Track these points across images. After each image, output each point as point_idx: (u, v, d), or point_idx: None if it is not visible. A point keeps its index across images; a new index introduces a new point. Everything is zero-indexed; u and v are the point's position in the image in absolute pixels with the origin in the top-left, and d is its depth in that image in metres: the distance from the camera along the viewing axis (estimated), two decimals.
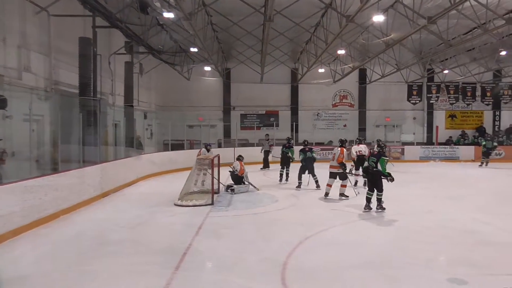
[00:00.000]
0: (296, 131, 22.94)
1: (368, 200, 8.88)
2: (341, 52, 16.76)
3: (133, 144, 14.02)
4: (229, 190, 11.16)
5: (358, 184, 12.01)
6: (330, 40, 13.89)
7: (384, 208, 8.77)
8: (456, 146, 22.42)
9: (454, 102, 24.06)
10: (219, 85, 23.87)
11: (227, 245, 6.42)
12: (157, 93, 22.01)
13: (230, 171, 11.83)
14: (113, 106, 15.00)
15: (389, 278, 5.05)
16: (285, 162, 13.25)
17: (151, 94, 21.02)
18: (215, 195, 10.05)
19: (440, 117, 24.59)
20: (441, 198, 10.62)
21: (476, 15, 12.17)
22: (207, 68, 21.32)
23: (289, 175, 13.21)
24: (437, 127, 23.98)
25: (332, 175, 10.40)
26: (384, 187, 8.77)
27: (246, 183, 11.53)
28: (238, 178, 11.52)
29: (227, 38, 18.11)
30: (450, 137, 23.61)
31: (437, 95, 23.93)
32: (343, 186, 10.40)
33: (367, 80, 23.49)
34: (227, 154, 17.52)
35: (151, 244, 6.45)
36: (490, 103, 24.30)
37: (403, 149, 21.93)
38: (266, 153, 17.76)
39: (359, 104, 24.55)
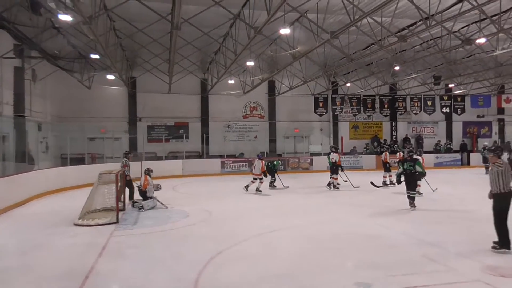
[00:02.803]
0: (207, 143, 22.92)
1: (413, 198, 10.45)
2: (250, 63, 17.19)
3: (25, 159, 12.83)
4: (135, 207, 10.72)
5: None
6: (239, 51, 14.18)
7: (415, 206, 10.38)
8: (360, 156, 24.23)
9: (357, 113, 26.02)
10: (123, 94, 22.95)
11: (134, 265, 6.15)
12: (54, 103, 20.44)
13: (137, 186, 11.41)
14: (0, 116, 13.61)
15: None
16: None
17: (47, 103, 19.48)
18: (120, 213, 9.61)
19: (344, 128, 26.38)
20: (346, 206, 11.35)
21: (373, 32, 13.38)
22: (110, 77, 20.37)
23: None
24: (342, 137, 25.68)
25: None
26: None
27: (152, 198, 11.14)
28: (144, 193, 11.14)
29: (132, 45, 17.55)
30: (354, 147, 25.40)
31: (341, 107, 25.69)
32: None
33: (276, 92, 24.39)
34: (133, 168, 16.86)
35: (46, 270, 5.92)
36: (388, 114, 26.74)
37: (311, 160, 23.07)
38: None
39: (269, 115, 25.33)
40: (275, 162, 15.72)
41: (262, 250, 7.00)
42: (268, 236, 7.94)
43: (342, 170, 14.86)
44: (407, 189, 10.64)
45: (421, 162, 10.99)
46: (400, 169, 10.80)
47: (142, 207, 10.61)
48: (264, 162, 14.25)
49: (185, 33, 14.16)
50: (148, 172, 11.62)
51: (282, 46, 16.01)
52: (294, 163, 22.97)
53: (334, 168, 14.67)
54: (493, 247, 6.61)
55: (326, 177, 16.69)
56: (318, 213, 10.32)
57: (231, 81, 21.60)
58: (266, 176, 14.40)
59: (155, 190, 11.47)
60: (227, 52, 16.53)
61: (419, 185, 12.32)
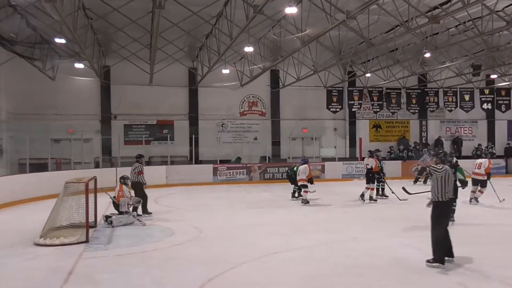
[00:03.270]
0: (196, 146, 22.97)
1: (453, 211, 10.50)
2: (248, 49, 17.21)
3: None
4: (107, 222, 10.71)
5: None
6: (235, 34, 14.19)
7: (454, 220, 10.62)
8: (383, 162, 24.18)
9: (379, 110, 26.05)
10: (95, 87, 22.99)
11: None
12: (10, 97, 20.46)
13: (111, 198, 11.43)
14: None
15: None
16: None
17: (1, 98, 19.51)
18: (91, 230, 9.60)
19: (363, 128, 26.43)
20: (367, 221, 11.36)
21: (398, 12, 13.40)
22: (79, 65, 20.39)
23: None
24: (360, 139, 25.66)
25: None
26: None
27: (127, 211, 11.08)
28: (118, 207, 11.16)
29: (106, 28, 17.59)
30: (378, 150, 25.37)
31: (360, 102, 25.72)
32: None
33: (281, 83, 24.42)
34: (107, 176, 16.90)
35: None
36: (417, 111, 26.76)
37: (323, 166, 23.09)
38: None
39: (272, 112, 25.38)
40: (295, 169, 15.78)
41: (263, 276, 6.97)
42: (270, 259, 7.91)
43: (382, 179, 15.49)
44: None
45: (462, 169, 11.30)
46: None
47: (111, 222, 10.58)
48: (310, 166, 15.02)
49: (170, 13, 14.12)
50: (124, 181, 11.62)
51: (288, 29, 16.02)
52: None
53: (370, 176, 14.84)
54: (427, 261, 7.24)
55: (342, 186, 16.75)
56: (332, 231, 10.29)
57: (225, 71, 21.62)
58: (312, 183, 14.87)
59: (134, 206, 11.45)
60: (221, 36, 16.55)
61: (480, 191, 13.74)
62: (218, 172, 21.89)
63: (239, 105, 25.15)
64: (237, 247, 8.82)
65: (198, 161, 22.72)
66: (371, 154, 15.50)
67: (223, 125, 24.86)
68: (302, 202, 14.56)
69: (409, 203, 14.02)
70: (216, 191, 18.72)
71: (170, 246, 8.86)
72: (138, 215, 11.50)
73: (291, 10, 12.46)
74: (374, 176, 14.91)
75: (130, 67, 21.14)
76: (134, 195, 12.13)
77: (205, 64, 20.71)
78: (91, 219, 10.10)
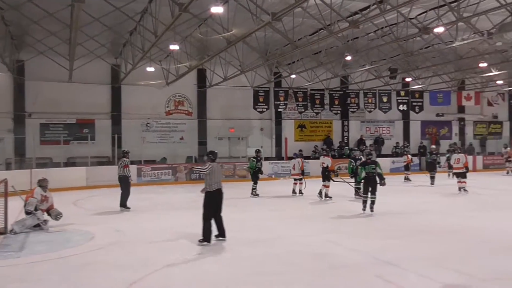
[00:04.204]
0: (119, 146, 22.26)
1: (365, 202, 11.94)
2: (174, 47, 16.97)
3: None
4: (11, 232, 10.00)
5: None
6: (160, 31, 13.94)
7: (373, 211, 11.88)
8: (307, 161, 24.73)
9: (303, 110, 26.62)
10: (7, 83, 21.64)
11: None
12: None
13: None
14: None
15: None
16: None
17: None
18: (0, 237, 9.01)
19: (289, 128, 26.93)
20: (291, 220, 11.52)
21: (322, 15, 13.75)
22: None
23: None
24: (286, 139, 26.16)
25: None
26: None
27: (32, 214, 10.41)
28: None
29: (19, 20, 16.64)
30: (300, 150, 25.86)
31: (285, 102, 26.14)
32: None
33: (207, 83, 24.33)
34: (20, 178, 15.94)
35: None
36: (339, 112, 27.64)
37: None
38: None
39: (199, 112, 25.20)
40: (257, 164, 16.47)
41: (187, 278, 6.88)
42: (195, 260, 7.83)
43: (336, 176, 16.09)
44: (371, 193, 11.91)
45: (380, 165, 12.27)
46: (363, 174, 11.96)
47: (11, 230, 9.92)
48: (303, 161, 16.47)
49: (91, 7, 13.70)
50: (40, 183, 10.98)
51: (215, 28, 15.97)
52: (228, 170, 22.98)
53: (326, 175, 15.23)
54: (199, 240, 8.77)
55: (268, 186, 16.94)
56: (256, 230, 10.34)
57: (150, 69, 21.18)
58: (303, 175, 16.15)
59: (54, 219, 10.78)
60: (145, 33, 16.17)
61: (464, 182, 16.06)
62: (142, 173, 21.37)
63: (164, 104, 24.74)
64: (161, 249, 8.64)
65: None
66: (327, 153, 17.33)
67: (148, 125, 24.34)
68: (298, 193, 16.15)
69: (333, 200, 14.51)
70: (140, 192, 18.22)
71: (90, 251, 8.51)
72: (44, 221, 10.77)
73: (217, 9, 12.41)
74: (330, 174, 15.35)
75: (47, 62, 20.14)
76: (120, 188, 13.64)
77: (129, 62, 20.20)
78: (1, 224, 9.53)
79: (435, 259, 7.59)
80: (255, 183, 16.41)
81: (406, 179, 21.14)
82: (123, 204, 13.52)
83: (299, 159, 16.41)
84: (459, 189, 16.32)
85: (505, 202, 14.59)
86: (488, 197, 15.82)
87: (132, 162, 21.79)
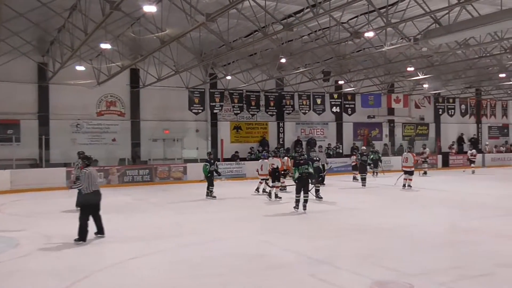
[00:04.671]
0: (47, 148, 21.42)
1: (298, 201, 12.46)
2: (105, 46, 16.50)
3: None
4: None
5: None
6: (90, 29, 13.53)
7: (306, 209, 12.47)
8: (243, 162, 24.88)
9: (239, 112, 26.68)
10: None
11: None
12: None
13: None
14: None
15: None
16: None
17: None
18: None
19: (224, 129, 26.89)
20: (228, 222, 11.59)
21: (256, 17, 13.87)
22: None
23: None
24: (222, 140, 26.10)
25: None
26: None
27: None
28: None
29: None
30: (236, 152, 26.01)
31: (221, 103, 26.11)
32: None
33: (141, 83, 23.82)
34: None
35: None
36: (274, 113, 27.98)
37: (185, 168, 23.02)
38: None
39: (132, 113, 24.64)
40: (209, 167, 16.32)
41: (120, 282, 6.74)
42: (127, 265, 7.67)
43: (285, 177, 16.85)
44: (304, 192, 12.52)
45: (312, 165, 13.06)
46: (297, 174, 12.44)
47: None
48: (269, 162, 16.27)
49: (16, 1, 13.18)
50: None
51: (148, 27, 15.71)
52: (163, 172, 22.66)
53: (276, 175, 15.68)
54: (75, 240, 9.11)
55: (204, 188, 16.86)
56: (193, 233, 10.30)
57: (80, 68, 20.42)
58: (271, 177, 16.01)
59: None
60: (74, 30, 15.63)
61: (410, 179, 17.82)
62: (72, 175, 20.57)
63: (96, 104, 23.97)
64: (91, 254, 8.42)
65: (49, 164, 21.14)
66: (275, 154, 18.06)
67: (78, 126, 23.49)
68: (263, 192, 16.40)
69: (271, 202, 14.66)
70: (69, 196, 17.52)
71: (14, 258, 8.14)
72: None
73: (150, 8, 12.20)
74: (280, 175, 15.95)
75: None
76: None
77: (57, 60, 19.41)
78: None
79: (365, 256, 7.89)
80: (211, 185, 16.37)
81: (354, 178, 21.82)
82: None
83: (266, 160, 16.50)
84: (404, 185, 18.17)
85: (432, 200, 15.35)
86: (417, 196, 16.58)
87: (61, 165, 21.12)
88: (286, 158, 17.41)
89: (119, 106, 24.52)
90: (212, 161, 16.54)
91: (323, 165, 18.04)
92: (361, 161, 20.40)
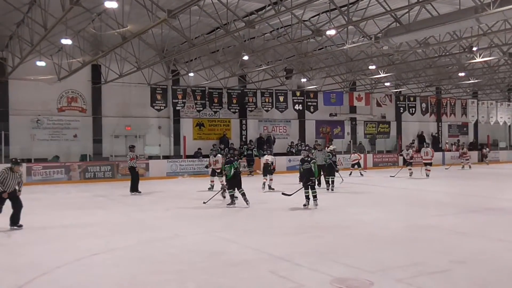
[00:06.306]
0: (6, 144, 20.89)
1: (233, 196, 13.12)
2: (66, 42, 16.26)
3: None
4: None
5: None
6: (50, 25, 13.30)
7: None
8: (205, 159, 24.80)
9: (202, 109, 26.63)
10: None
11: None
12: None
13: None
14: None
15: None
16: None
17: None
18: None
19: (187, 126, 26.79)
20: (190, 219, 11.61)
21: (218, 14, 13.94)
22: None
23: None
24: (184, 137, 25.97)
25: None
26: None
27: None
28: None
29: None
30: (199, 148, 25.95)
31: (184, 100, 25.99)
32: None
33: (102, 79, 23.51)
34: None
35: None
36: (237, 111, 28.04)
37: (147, 164, 22.85)
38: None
39: (93, 109, 24.28)
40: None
41: (78, 280, 6.68)
42: (87, 261, 7.59)
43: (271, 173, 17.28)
44: (238, 188, 13.14)
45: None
46: (232, 171, 12.92)
47: None
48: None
49: None
50: None
51: (109, 23, 15.54)
52: (125, 168, 22.35)
53: (269, 170, 17.01)
54: None
55: (166, 184, 16.84)
56: (154, 229, 10.27)
57: (40, 63, 20.03)
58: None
59: None
60: (34, 25, 15.31)
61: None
62: (32, 171, 20.20)
63: (56, 100, 23.50)
64: (51, 251, 8.29)
65: (8, 160, 20.58)
66: (270, 152, 19.05)
67: (39, 121, 23.00)
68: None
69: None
70: (30, 192, 17.13)
71: None
72: None
73: (111, 4, 12.09)
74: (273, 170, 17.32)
75: None
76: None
77: (17, 55, 19.00)
78: None
79: (326, 253, 7.95)
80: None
81: (361, 174, 22.79)
82: (134, 190, 16.34)
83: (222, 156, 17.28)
84: (427, 175, 21.65)
85: (391, 198, 15.70)
86: (377, 194, 16.67)
87: (22, 161, 20.58)
88: (270, 156, 17.77)
89: (81, 102, 24.13)
90: (235, 157, 14.63)
91: (324, 165, 16.86)
92: (330, 161, 17.51)
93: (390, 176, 22.20)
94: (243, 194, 13.06)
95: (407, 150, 24.04)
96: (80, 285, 6.48)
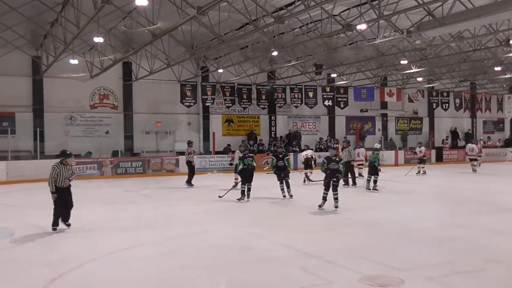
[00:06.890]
0: (42, 140, 21.45)
1: (243, 192, 13.39)
2: (98, 40, 16.54)
3: None
4: None
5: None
6: (82, 23, 13.54)
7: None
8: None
9: (231, 105, 26.74)
10: None
11: None
12: None
13: None
14: None
15: None
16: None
17: None
18: None
19: (216, 122, 26.92)
20: (219, 215, 11.69)
21: (247, 10, 13.91)
22: None
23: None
24: (214, 133, 26.15)
25: None
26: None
27: None
28: None
29: None
30: (228, 145, 26.05)
31: (213, 97, 26.13)
32: None
33: (133, 76, 23.84)
34: None
35: None
36: (266, 107, 28.02)
37: (177, 160, 23.07)
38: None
39: (124, 106, 24.65)
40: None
41: (113, 273, 6.83)
42: (119, 255, 7.76)
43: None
44: (248, 183, 13.55)
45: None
46: (241, 166, 13.58)
47: None
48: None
49: None
50: None
51: (139, 21, 15.72)
52: (156, 164, 22.74)
53: (309, 164, 18.37)
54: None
55: (196, 180, 16.96)
56: (184, 224, 10.39)
57: (73, 61, 20.45)
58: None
59: None
60: (67, 24, 15.63)
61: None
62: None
63: (89, 97, 23.96)
64: (84, 245, 8.49)
65: (43, 156, 21.14)
66: (308, 147, 20.26)
67: (72, 118, 23.50)
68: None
69: (262, 197, 14.56)
70: None
71: (9, 248, 8.23)
72: None
73: (142, 2, 12.21)
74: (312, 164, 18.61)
75: None
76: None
77: (51, 54, 19.41)
78: None
79: (355, 250, 7.88)
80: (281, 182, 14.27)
81: (419, 172, 22.25)
82: (189, 181, 17.44)
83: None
84: (473, 170, 22.29)
85: (424, 196, 15.42)
86: (409, 192, 16.28)
87: (55, 157, 21.03)
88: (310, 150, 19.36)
89: (112, 99, 24.53)
90: (281, 155, 14.34)
91: (347, 162, 16.24)
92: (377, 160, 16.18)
93: (405, 175, 21.10)
94: (249, 189, 13.47)
95: (419, 147, 22.95)
96: (110, 279, 6.60)
